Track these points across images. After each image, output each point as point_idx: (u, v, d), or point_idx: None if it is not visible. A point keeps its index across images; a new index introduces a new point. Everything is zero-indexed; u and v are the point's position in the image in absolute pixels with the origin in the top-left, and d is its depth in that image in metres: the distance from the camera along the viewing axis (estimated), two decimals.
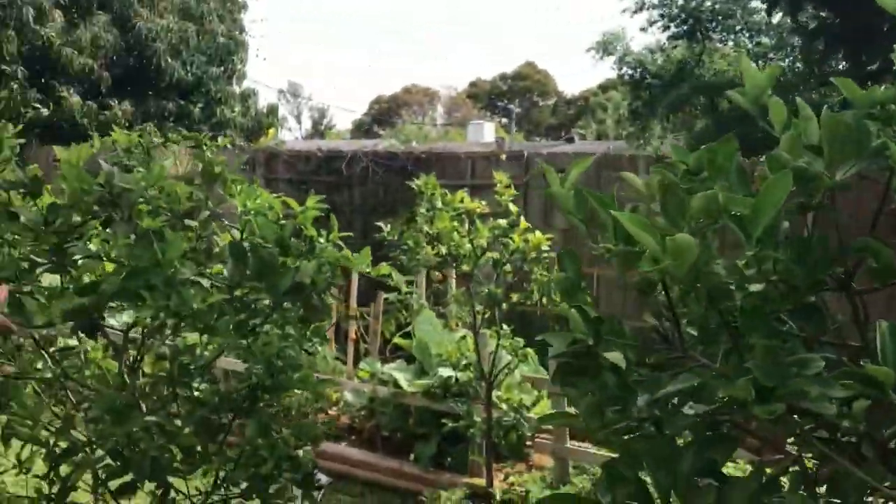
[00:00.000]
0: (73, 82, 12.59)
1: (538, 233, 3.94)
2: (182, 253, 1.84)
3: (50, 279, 2.19)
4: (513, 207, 3.98)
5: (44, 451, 2.04)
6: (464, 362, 4.71)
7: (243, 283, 1.94)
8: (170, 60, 13.19)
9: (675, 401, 0.93)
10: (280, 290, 1.89)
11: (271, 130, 13.03)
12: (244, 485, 2.20)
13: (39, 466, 2.13)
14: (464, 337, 5.08)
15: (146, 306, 1.83)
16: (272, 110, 15.82)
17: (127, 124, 11.83)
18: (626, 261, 0.93)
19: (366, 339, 6.38)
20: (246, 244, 1.97)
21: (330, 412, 5.65)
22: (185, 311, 1.80)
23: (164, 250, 1.81)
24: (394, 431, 5.29)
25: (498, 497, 4.14)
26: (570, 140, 10.88)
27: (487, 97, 41.15)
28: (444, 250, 3.94)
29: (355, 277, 6.00)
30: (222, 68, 14.47)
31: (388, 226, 4.00)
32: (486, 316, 4.21)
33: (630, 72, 10.95)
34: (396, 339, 5.77)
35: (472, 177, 8.10)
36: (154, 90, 13.48)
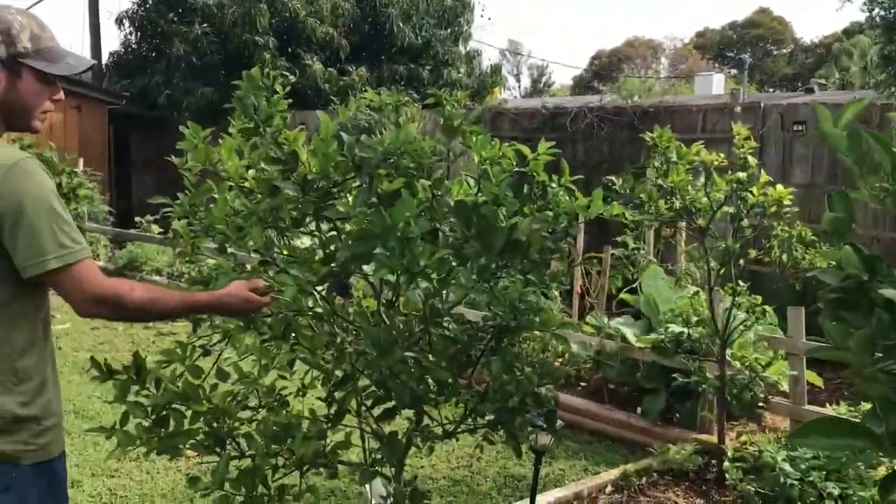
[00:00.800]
0: (315, 50, 13.54)
1: (779, 186, 3.79)
2: (413, 213, 1.98)
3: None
4: (752, 160, 3.85)
5: (321, 377, 2.32)
6: (695, 319, 4.64)
7: (467, 240, 2.08)
8: (401, 25, 13.78)
9: None
10: (495, 249, 1.99)
11: (496, 89, 13.26)
12: (489, 418, 2.39)
13: (317, 391, 2.42)
14: (696, 293, 4.99)
15: (382, 265, 1.99)
16: (496, 70, 16.06)
17: (363, 88, 12.56)
18: None
19: (591, 294, 6.45)
20: (469, 200, 2.09)
21: (556, 363, 5.81)
22: (416, 268, 1.96)
23: (392, 213, 1.96)
24: (620, 384, 5.36)
25: (730, 454, 4.08)
26: (810, 90, 10.10)
27: (716, 48, 38.98)
28: (677, 204, 3.89)
29: (581, 231, 6.06)
30: (449, 30, 14.89)
31: (619, 180, 4.01)
32: (721, 272, 4.12)
33: (882, 13, 9.93)
34: (623, 295, 5.78)
35: (703, 130, 7.82)
36: (387, 55, 14.17)
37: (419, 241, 2.02)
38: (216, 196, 2.25)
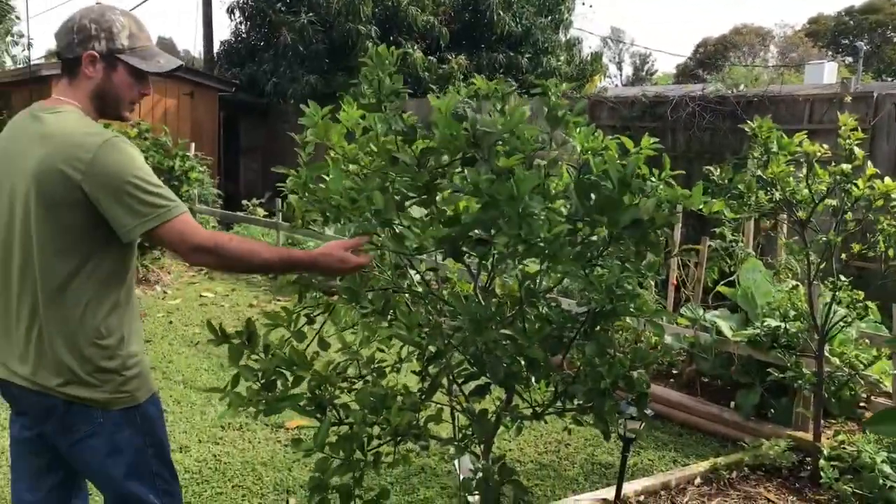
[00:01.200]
0: (416, 39, 13.73)
1: (887, 179, 3.67)
2: (532, 188, 2.07)
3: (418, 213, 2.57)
4: (858, 151, 3.74)
5: (417, 352, 2.43)
6: (793, 313, 4.55)
7: (585, 218, 2.14)
8: (501, 13, 13.81)
9: None
10: (621, 224, 2.05)
11: (596, 77, 13.13)
12: (579, 402, 2.45)
13: (412, 365, 2.53)
14: (794, 287, 4.88)
15: (501, 234, 2.08)
16: (596, 58, 15.89)
17: (462, 77, 12.67)
18: None
19: (686, 286, 6.37)
20: (588, 180, 2.15)
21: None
22: (534, 239, 2.04)
23: (517, 186, 2.05)
24: (714, 378, 5.29)
25: (826, 453, 4.00)
26: None
27: (830, 35, 37.29)
28: (777, 196, 3.83)
29: (678, 222, 5.98)
30: (549, 18, 14.81)
31: (718, 170, 3.97)
32: (822, 266, 4.03)
33: None
34: (720, 288, 5.69)
35: (810, 121, 7.57)
36: (486, 43, 14.23)
37: (537, 216, 2.10)
38: (329, 174, 2.38)
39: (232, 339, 2.16)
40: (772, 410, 4.69)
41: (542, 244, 2.15)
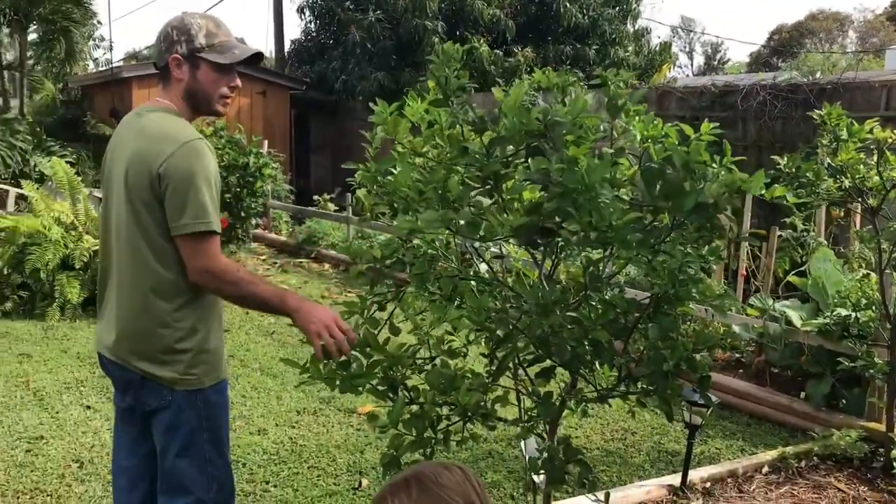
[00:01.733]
0: (482, 32, 13.80)
1: None
2: (603, 177, 2.14)
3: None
4: None
5: (484, 336, 2.52)
6: (864, 302, 4.49)
7: (651, 204, 2.20)
8: (568, 5, 13.77)
9: None
10: (686, 208, 2.11)
11: (664, 67, 12.99)
12: (642, 385, 2.51)
13: (480, 348, 2.63)
14: (866, 276, 4.81)
15: (573, 221, 2.16)
16: (665, 48, 15.69)
17: (529, 69, 12.69)
18: None
19: (756, 276, 6.30)
20: (653, 168, 2.21)
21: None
22: (604, 226, 2.11)
23: (587, 174, 2.13)
24: (784, 368, 5.25)
25: None
26: None
27: None
28: (847, 183, 3.80)
29: (747, 214, 5.93)
30: (617, 9, 14.69)
31: (785, 158, 3.95)
32: (894, 254, 3.98)
33: None
34: (790, 278, 5.63)
35: (887, 108, 7.38)
36: (552, 35, 14.20)
37: (606, 203, 2.18)
38: (396, 167, 2.49)
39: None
40: (843, 401, 4.63)
41: (610, 232, 2.21)
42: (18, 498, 3.54)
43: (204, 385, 2.29)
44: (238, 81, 2.38)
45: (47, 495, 3.57)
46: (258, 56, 2.38)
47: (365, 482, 3.80)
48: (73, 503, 3.51)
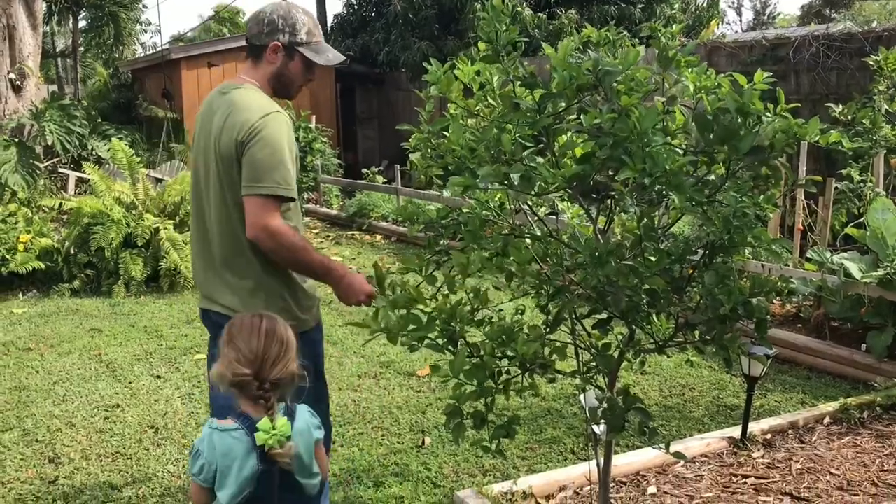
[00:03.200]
0: None
1: None
2: (654, 124, 2.16)
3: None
4: None
5: (538, 289, 2.56)
6: None
7: (705, 150, 2.21)
8: None
9: None
10: (742, 151, 2.11)
11: (713, 23, 12.72)
12: (699, 333, 2.53)
13: (536, 300, 2.68)
14: None
15: (628, 168, 2.18)
16: (712, 3, 15.34)
17: (573, 31, 12.54)
18: None
19: (813, 231, 6.21)
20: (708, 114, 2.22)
21: (774, 301, 5.70)
22: (658, 171, 2.14)
23: (638, 122, 2.15)
24: (843, 321, 5.19)
25: None
26: None
27: None
28: None
29: (802, 168, 5.83)
30: None
31: (839, 106, 3.88)
32: None
33: None
34: (848, 230, 5.54)
35: None
36: None
37: (660, 150, 2.21)
38: (450, 127, 2.54)
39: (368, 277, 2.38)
40: None
41: (664, 178, 2.23)
42: (101, 461, 3.73)
43: (308, 327, 2.59)
44: (314, 77, 2.68)
45: (128, 458, 3.75)
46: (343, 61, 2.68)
47: (428, 440, 3.90)
48: (151, 464, 3.68)
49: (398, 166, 10.16)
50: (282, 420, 1.98)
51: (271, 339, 2.02)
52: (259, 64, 2.57)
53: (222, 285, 2.54)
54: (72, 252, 7.18)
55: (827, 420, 3.97)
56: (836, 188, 5.70)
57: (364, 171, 12.29)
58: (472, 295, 2.63)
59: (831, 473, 3.42)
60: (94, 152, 11.63)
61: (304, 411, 2.12)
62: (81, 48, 17.16)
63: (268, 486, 2.00)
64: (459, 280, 2.60)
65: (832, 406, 4.07)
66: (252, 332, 2.01)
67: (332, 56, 2.63)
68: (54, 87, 18.50)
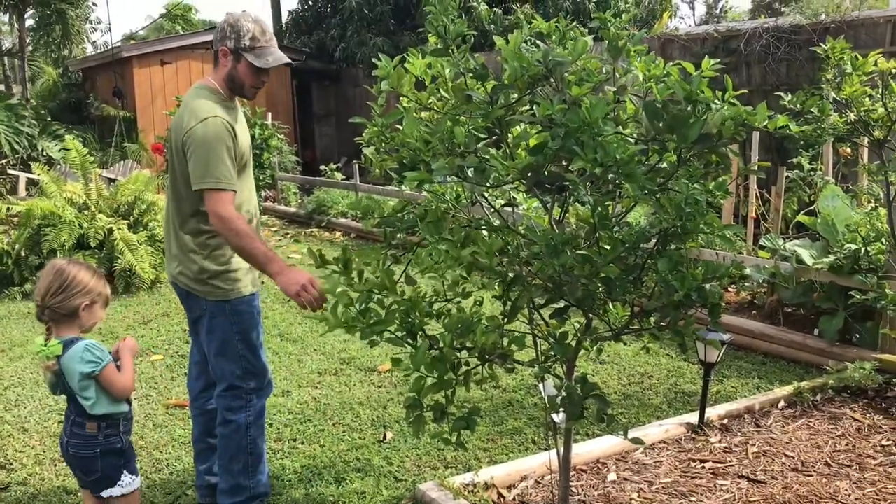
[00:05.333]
0: None
1: None
2: (604, 114, 2.18)
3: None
4: None
5: (497, 280, 2.57)
6: (873, 235, 4.51)
7: (656, 138, 2.23)
8: None
9: None
10: (691, 139, 2.14)
11: (665, 15, 12.87)
12: (654, 319, 2.56)
13: (494, 292, 2.69)
14: (874, 209, 4.83)
15: (580, 158, 2.20)
16: None
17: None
18: None
19: (765, 220, 6.33)
20: (657, 103, 2.24)
21: (729, 288, 5.80)
22: (610, 161, 2.15)
23: (589, 112, 2.16)
24: (796, 307, 5.30)
25: None
26: None
27: None
28: (852, 117, 3.81)
29: (754, 157, 5.93)
30: None
31: (788, 95, 3.95)
32: None
33: None
34: (800, 217, 5.65)
35: (892, 43, 7.32)
36: None
37: (610, 140, 2.23)
38: (403, 120, 2.53)
39: (329, 266, 2.36)
40: (856, 335, 4.68)
41: (616, 167, 2.24)
42: (55, 466, 3.65)
43: (229, 297, 2.91)
44: (266, 78, 2.97)
45: None
46: (288, 63, 2.96)
47: (389, 435, 3.89)
48: None
49: (356, 163, 10.11)
50: (54, 343, 2.49)
51: (55, 276, 2.51)
52: (217, 67, 2.93)
53: (172, 259, 3.00)
54: (22, 254, 7.02)
55: (781, 404, 4.05)
56: (787, 177, 5.81)
57: (322, 167, 12.21)
58: (430, 289, 2.63)
59: (786, 455, 3.49)
60: (44, 153, 11.38)
61: (79, 349, 2.51)
62: (29, 47, 16.76)
63: (61, 385, 2.59)
64: (418, 275, 2.60)
65: (786, 390, 4.15)
66: (48, 271, 2.55)
67: (271, 60, 2.89)
68: (1, 87, 18.04)
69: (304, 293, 2.72)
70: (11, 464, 3.67)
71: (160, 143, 10.63)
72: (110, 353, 2.66)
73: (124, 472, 2.64)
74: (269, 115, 11.94)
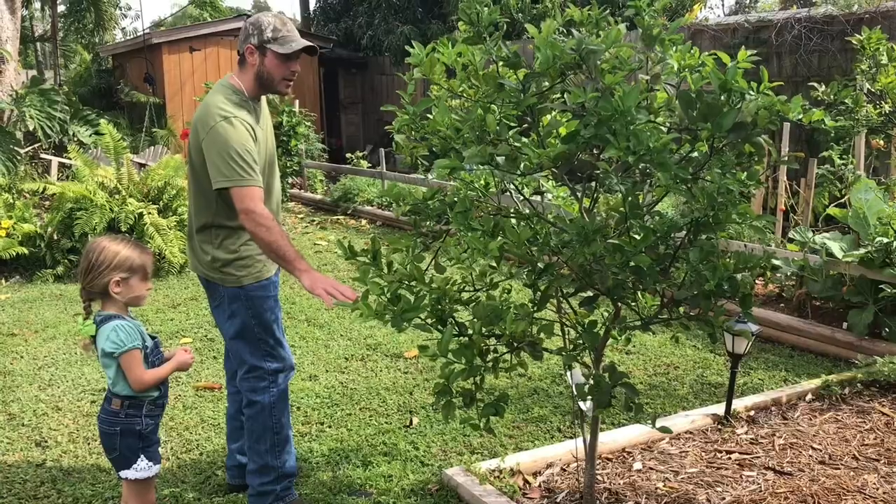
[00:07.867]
0: None
1: None
2: (637, 102, 2.17)
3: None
4: None
5: (527, 268, 2.58)
6: None
7: (689, 127, 2.23)
8: None
9: None
10: (725, 128, 2.13)
11: (696, 6, 12.74)
12: (684, 309, 2.56)
13: (523, 280, 2.70)
14: None
15: (612, 147, 2.20)
16: None
17: (557, 13, 12.52)
18: None
19: (795, 212, 6.27)
20: (691, 92, 2.24)
21: (758, 281, 5.76)
22: (642, 149, 2.15)
23: (622, 100, 2.16)
24: (825, 300, 5.26)
25: None
26: None
27: None
28: (887, 108, 3.76)
29: (784, 150, 5.88)
30: None
31: (822, 86, 3.91)
32: None
33: None
34: (830, 210, 5.60)
35: None
36: None
37: (643, 128, 2.22)
38: (434, 108, 2.54)
39: (359, 257, 2.38)
40: (886, 329, 4.64)
41: (648, 156, 2.24)
42: (89, 444, 3.73)
43: (243, 283, 2.97)
44: (297, 67, 2.98)
45: None
46: (312, 49, 2.95)
47: (416, 420, 3.92)
48: None
49: (382, 150, 10.15)
50: (89, 323, 2.58)
51: (85, 256, 2.59)
52: (245, 67, 2.96)
53: (194, 251, 3.09)
54: (55, 237, 7.13)
55: (809, 397, 4.03)
56: (816, 172, 5.74)
57: (348, 155, 12.25)
58: (459, 276, 2.65)
59: (813, 448, 3.48)
60: (75, 137, 11.52)
61: (108, 328, 2.55)
62: (61, 33, 16.94)
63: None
64: (448, 263, 2.62)
65: (814, 383, 4.13)
66: (85, 251, 2.62)
67: (295, 45, 2.91)
68: (34, 73, 18.28)
69: (329, 291, 2.74)
70: (46, 441, 3.75)
71: (188, 129, 10.72)
72: (162, 351, 2.71)
73: (142, 456, 2.64)
74: (297, 101, 11.99)
